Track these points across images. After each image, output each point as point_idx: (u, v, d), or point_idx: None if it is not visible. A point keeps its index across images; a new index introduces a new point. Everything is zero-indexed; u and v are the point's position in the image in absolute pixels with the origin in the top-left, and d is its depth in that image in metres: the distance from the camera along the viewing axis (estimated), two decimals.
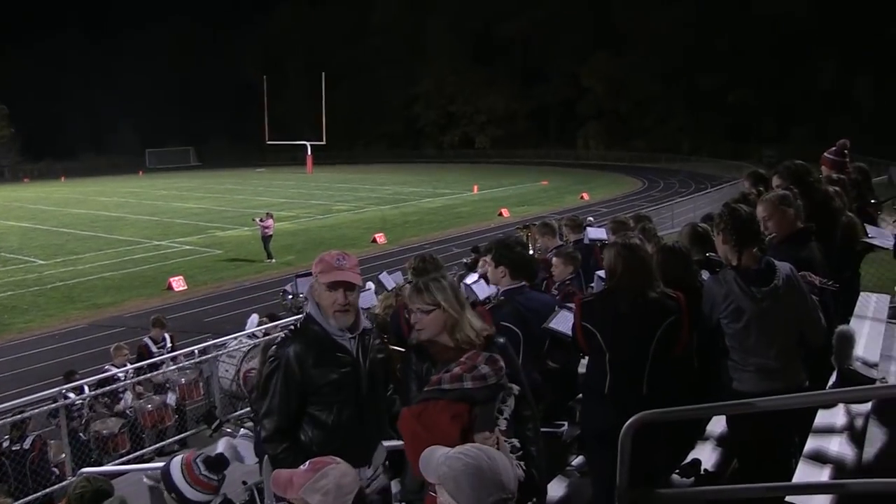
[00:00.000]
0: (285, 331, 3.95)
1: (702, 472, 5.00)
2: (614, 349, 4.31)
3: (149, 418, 11.04)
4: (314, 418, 3.85)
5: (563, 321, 4.84)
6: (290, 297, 13.87)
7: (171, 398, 11.24)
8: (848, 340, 5.12)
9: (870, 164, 8.42)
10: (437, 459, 2.29)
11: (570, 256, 7.32)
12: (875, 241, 6.22)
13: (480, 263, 9.20)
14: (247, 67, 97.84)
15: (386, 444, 3.95)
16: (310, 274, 12.90)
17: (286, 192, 54.37)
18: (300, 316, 4.32)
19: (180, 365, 11.96)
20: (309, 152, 73.91)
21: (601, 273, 6.87)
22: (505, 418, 3.10)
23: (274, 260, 27.84)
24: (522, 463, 3.06)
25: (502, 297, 4.98)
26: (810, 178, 6.03)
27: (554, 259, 7.36)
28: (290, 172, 73.77)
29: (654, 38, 78.12)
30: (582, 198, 45.19)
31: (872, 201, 7.25)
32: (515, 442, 3.13)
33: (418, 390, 3.37)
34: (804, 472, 4.42)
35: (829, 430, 5.00)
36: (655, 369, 4.29)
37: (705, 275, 5.04)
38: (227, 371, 11.51)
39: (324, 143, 74.20)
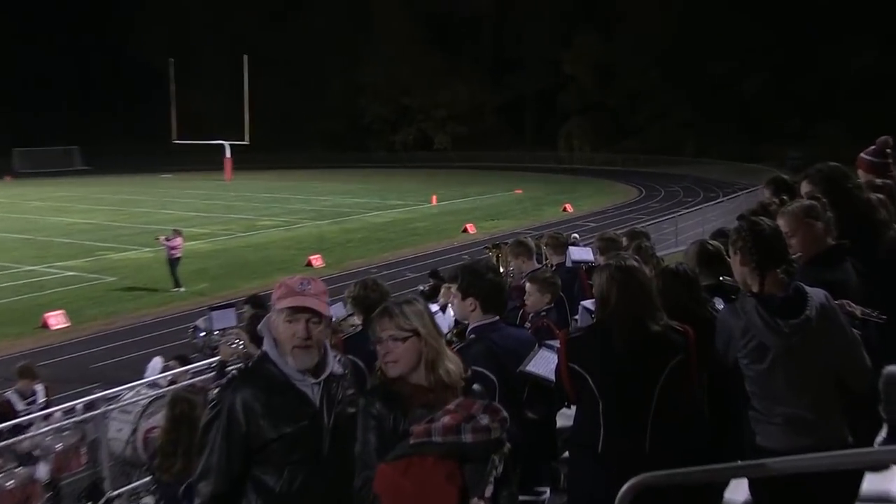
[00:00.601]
0: (234, 370, 3.96)
1: None
2: (609, 396, 4.30)
3: (8, 499, 10.55)
4: (259, 483, 3.73)
5: (543, 363, 4.85)
6: (203, 334, 13.69)
7: (41, 470, 10.44)
8: None
9: None
10: None
11: (547, 282, 7.36)
12: None
13: (441, 292, 9.16)
14: (148, 48, 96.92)
15: None
16: (229, 305, 12.76)
17: (199, 203, 54.00)
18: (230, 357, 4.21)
19: (56, 426, 11.18)
20: (228, 154, 73.83)
21: (588, 303, 6.87)
22: (491, 481, 3.08)
23: (183, 289, 27.56)
24: None
25: (472, 336, 4.93)
26: (849, 184, 6.00)
27: (527, 285, 7.40)
28: (204, 179, 73.34)
29: (651, 16, 79.30)
30: (564, 210, 45.67)
31: None
32: None
33: (381, 445, 3.35)
34: None
35: (880, 500, 4.97)
36: (660, 420, 4.28)
37: (718, 304, 5.03)
38: (119, 430, 11.30)
39: (246, 142, 74.12)
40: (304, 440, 3.72)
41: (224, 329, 12.47)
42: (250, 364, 3.89)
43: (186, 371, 12.44)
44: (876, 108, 64.31)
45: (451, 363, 3.58)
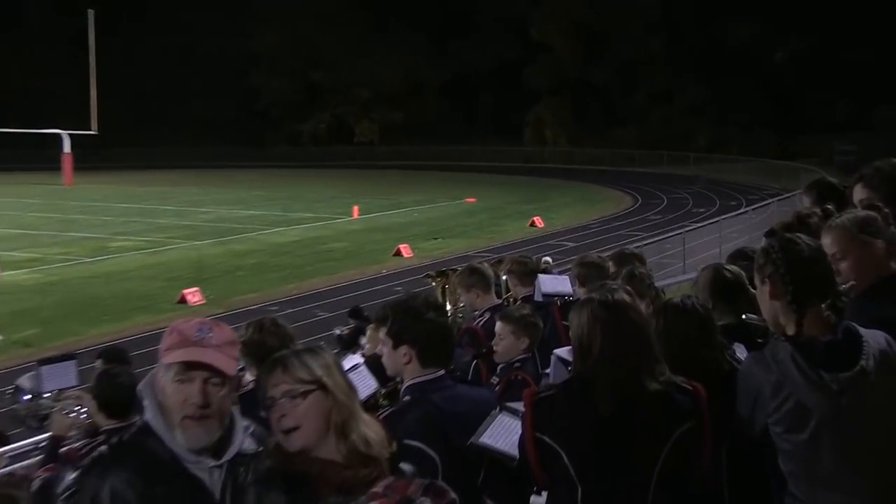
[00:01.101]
0: (99, 449, 3.75)
1: None
2: (591, 480, 4.26)
3: None
4: None
5: (503, 433, 4.79)
6: (27, 397, 13.45)
7: None
8: None
9: None
10: None
11: (525, 322, 7.33)
12: None
13: (367, 336, 9.12)
14: None
15: None
16: (67, 357, 12.61)
17: (25, 217, 53.35)
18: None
19: None
20: (67, 148, 73.28)
21: (562, 352, 6.83)
22: None
23: (0, 337, 27.22)
24: None
25: (407, 398, 4.91)
26: None
27: (499, 325, 7.34)
28: (32, 182, 72.51)
29: None
30: (533, 225, 45.92)
31: None
32: None
33: None
34: None
35: None
36: None
37: (740, 351, 5.04)
38: None
39: (94, 132, 73.47)
40: None
41: (59, 390, 12.29)
42: (125, 438, 3.73)
43: (3, 454, 12.29)
44: None
45: (369, 428, 3.58)
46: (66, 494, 3.61)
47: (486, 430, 4.85)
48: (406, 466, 3.64)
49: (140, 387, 3.84)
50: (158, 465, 3.57)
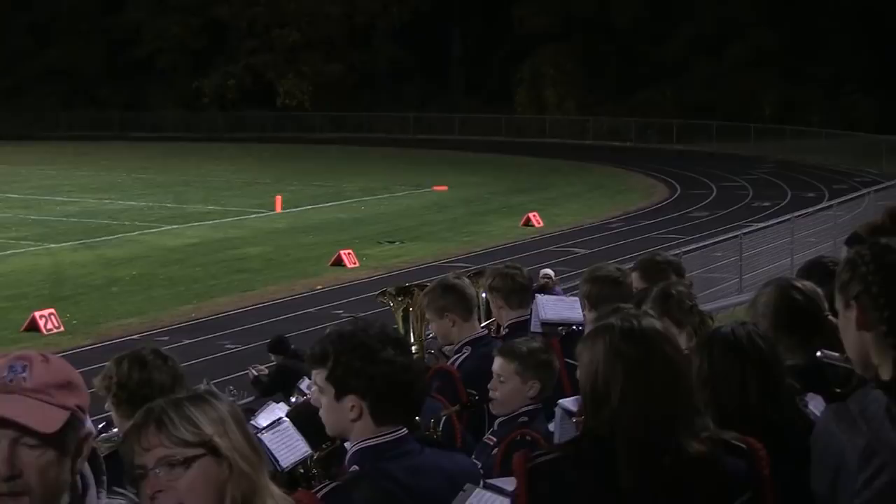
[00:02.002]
0: None
1: None
2: None
3: None
4: None
5: None
6: None
7: None
8: None
9: None
10: None
11: (536, 360, 7.22)
12: None
13: (305, 384, 9.12)
14: None
15: None
16: None
17: None
18: None
19: None
20: None
21: (569, 402, 6.90)
22: None
23: None
24: None
25: (354, 468, 4.81)
26: None
27: (500, 363, 7.23)
28: None
29: None
30: (527, 224, 46.02)
31: None
32: None
33: None
34: None
35: None
36: None
37: (815, 403, 5.11)
38: None
39: None
40: None
41: None
42: None
43: None
44: None
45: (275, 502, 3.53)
46: None
47: None
48: None
49: None
50: None
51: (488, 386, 7.34)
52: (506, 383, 7.13)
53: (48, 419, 3.22)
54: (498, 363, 7.24)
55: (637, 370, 4.21)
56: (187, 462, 3.31)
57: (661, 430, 4.20)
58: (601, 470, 4.23)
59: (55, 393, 3.30)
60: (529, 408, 7.11)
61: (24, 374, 3.28)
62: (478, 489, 4.85)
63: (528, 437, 6.88)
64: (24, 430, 3.19)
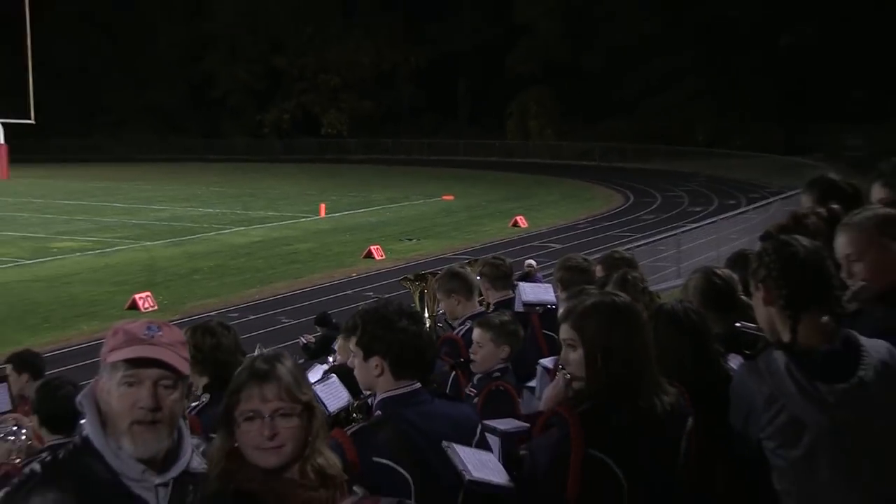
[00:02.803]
0: (30, 466, 3.50)
1: None
2: (637, 494, 4.28)
3: None
4: None
5: (479, 464, 4.58)
6: None
7: None
8: None
9: None
10: None
11: (505, 329, 7.26)
12: None
13: (338, 345, 9.11)
14: None
15: None
16: None
17: None
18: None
19: None
20: (1, 139, 72.71)
21: (548, 362, 6.93)
22: None
23: None
24: None
25: (378, 413, 4.85)
26: None
27: (478, 332, 7.29)
28: None
29: None
30: (515, 225, 45.87)
31: None
32: None
33: None
34: None
35: None
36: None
37: (734, 361, 5.08)
38: None
39: (31, 121, 72.87)
40: None
41: None
42: (61, 455, 3.48)
43: None
44: None
45: (327, 448, 3.63)
46: None
47: (468, 464, 4.55)
48: (357, 490, 3.64)
49: (79, 399, 3.63)
50: (96, 486, 3.40)
51: (469, 350, 7.43)
52: (483, 348, 7.21)
53: (181, 364, 3.57)
54: (476, 333, 7.33)
55: (632, 337, 4.40)
56: (295, 414, 3.53)
57: (654, 378, 4.38)
58: (628, 411, 4.36)
59: (179, 347, 3.62)
60: (501, 366, 7.21)
61: (159, 332, 3.57)
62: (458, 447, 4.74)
63: (501, 388, 7.06)
64: (166, 369, 3.50)
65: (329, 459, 3.57)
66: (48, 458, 3.51)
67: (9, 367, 11.44)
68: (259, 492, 3.40)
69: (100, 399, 3.50)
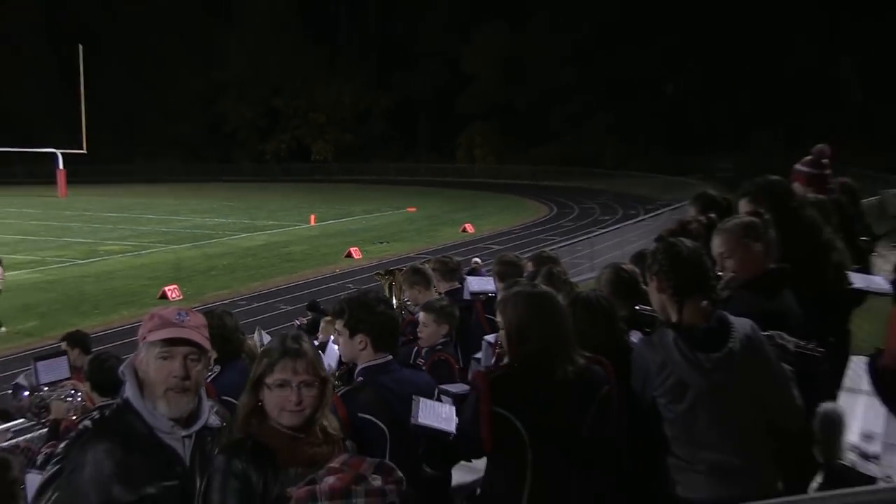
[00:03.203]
0: (83, 423, 3.68)
1: None
2: (539, 442, 4.30)
3: None
4: None
5: (431, 412, 4.75)
6: (27, 393, 13.28)
7: None
8: (836, 425, 5.30)
9: (858, 179, 8.66)
10: None
11: (444, 312, 7.31)
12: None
13: (321, 327, 9.11)
14: None
15: None
16: (58, 354, 12.39)
17: (24, 224, 52.49)
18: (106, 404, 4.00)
19: None
20: (61, 165, 72.05)
21: (490, 337, 6.98)
22: None
23: (4, 329, 26.83)
24: None
25: (360, 379, 4.93)
26: (794, 203, 6.26)
27: (422, 315, 7.37)
28: (30, 194, 71.40)
29: (568, 6, 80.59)
30: (464, 231, 45.85)
31: (856, 233, 7.45)
32: None
33: None
34: None
35: None
36: (589, 462, 4.38)
37: (634, 336, 5.14)
38: None
39: (83, 151, 72.69)
40: (170, 502, 3.59)
41: (55, 383, 12.11)
42: (107, 413, 3.69)
43: (7, 429, 12.16)
44: (814, 116, 66.79)
45: (330, 412, 3.64)
46: (53, 461, 3.62)
47: (418, 412, 4.76)
48: (349, 444, 3.70)
49: (121, 369, 3.83)
50: (136, 437, 3.58)
51: (416, 329, 7.48)
52: (427, 327, 7.23)
53: (204, 342, 3.81)
54: (421, 315, 7.39)
55: (546, 318, 4.36)
56: (315, 385, 3.60)
57: (563, 352, 4.34)
58: (531, 379, 4.37)
59: (202, 329, 3.86)
60: (442, 341, 7.21)
61: (187, 317, 3.83)
62: (437, 397, 5.07)
63: (443, 358, 7.05)
64: (194, 347, 3.73)
65: (332, 422, 3.63)
66: (97, 416, 3.70)
67: (64, 344, 11.73)
68: (275, 445, 3.44)
69: (138, 369, 3.73)
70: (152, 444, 3.61)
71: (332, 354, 6.97)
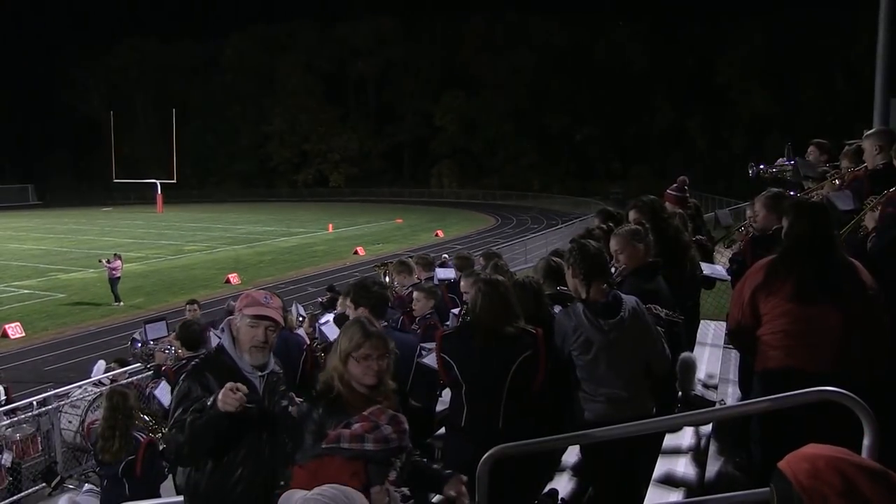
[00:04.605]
0: (194, 360, 3.97)
1: (559, 501, 5.06)
2: (470, 382, 4.34)
3: None
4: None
5: (431, 359, 4.86)
6: (140, 345, 13.31)
7: (5, 458, 9.99)
8: (690, 367, 5.38)
9: (702, 200, 8.81)
10: (296, 501, 2.25)
11: (431, 291, 7.36)
12: (714, 275, 6.55)
13: (339, 303, 9.13)
14: (91, 102, 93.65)
15: None
16: (160, 319, 12.35)
17: (135, 231, 52.23)
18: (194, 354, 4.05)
19: (15, 420, 10.77)
20: (159, 191, 71.53)
21: (455, 311, 6.99)
22: (395, 470, 3.06)
23: (121, 303, 26.67)
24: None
25: None
26: (664, 214, 6.32)
27: (415, 293, 7.36)
28: (139, 211, 70.82)
29: (503, 80, 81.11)
30: (437, 235, 45.71)
31: (700, 236, 7.59)
32: (406, 490, 3.07)
33: (314, 448, 3.20)
34: (655, 495, 4.58)
35: (676, 452, 5.21)
36: (511, 403, 4.30)
37: (557, 309, 5.11)
38: (70, 423, 10.90)
39: (174, 181, 72.25)
40: (249, 420, 3.66)
41: (157, 339, 12.16)
42: (210, 355, 3.87)
43: (125, 372, 12.11)
44: (675, 156, 68.47)
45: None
46: (180, 378, 3.81)
47: (424, 357, 5.03)
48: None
49: (221, 327, 3.95)
50: (229, 372, 3.68)
51: (402, 303, 7.59)
52: (419, 302, 7.17)
53: (280, 318, 3.88)
54: (415, 294, 7.31)
55: (486, 298, 4.33)
56: (386, 357, 3.41)
57: (496, 322, 4.30)
58: (469, 338, 4.37)
59: (280, 309, 3.92)
60: (430, 312, 7.11)
61: (272, 301, 3.86)
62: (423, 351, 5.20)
63: (431, 323, 6.92)
64: (274, 322, 3.78)
65: (390, 383, 3.47)
66: (203, 356, 4.03)
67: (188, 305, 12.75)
68: (349, 398, 3.33)
69: (233, 328, 3.81)
70: (240, 378, 3.66)
71: (332, 331, 6.91)
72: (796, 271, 3.95)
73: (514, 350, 4.29)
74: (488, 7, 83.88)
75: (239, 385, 3.47)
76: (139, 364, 12.25)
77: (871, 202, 5.14)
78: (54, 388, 11.81)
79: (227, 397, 3.40)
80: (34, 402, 11.27)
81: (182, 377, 3.80)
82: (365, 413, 2.99)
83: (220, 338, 3.95)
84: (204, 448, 3.62)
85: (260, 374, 3.80)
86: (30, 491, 10.21)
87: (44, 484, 9.13)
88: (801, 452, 1.73)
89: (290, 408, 3.80)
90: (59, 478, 8.61)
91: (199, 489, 3.72)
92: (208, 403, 3.51)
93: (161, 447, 6.69)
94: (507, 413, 4.30)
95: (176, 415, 3.64)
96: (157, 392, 7.78)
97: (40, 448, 10.65)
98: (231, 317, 3.91)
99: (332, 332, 6.23)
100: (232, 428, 3.56)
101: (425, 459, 3.57)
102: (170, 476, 6.82)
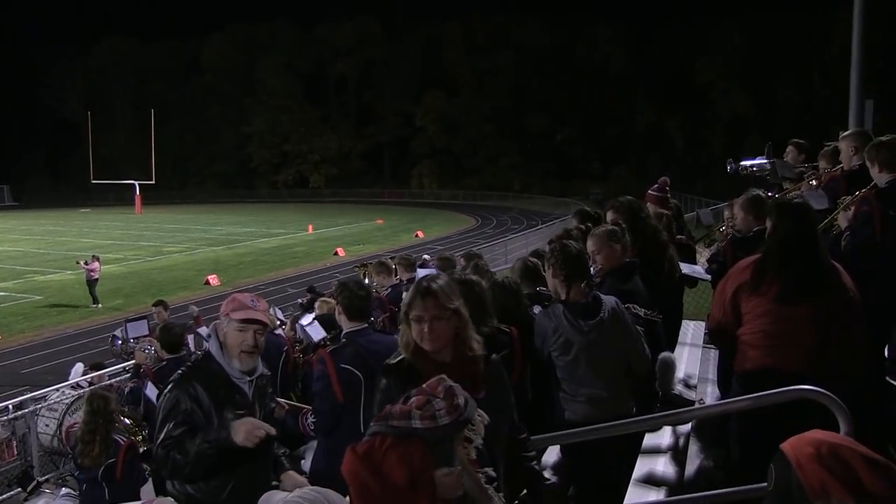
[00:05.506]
0: (181, 367, 3.81)
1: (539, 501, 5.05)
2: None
3: None
4: None
5: None
6: (120, 342, 13.25)
7: None
8: (669, 367, 5.39)
9: (682, 200, 8.86)
10: (276, 503, 2.22)
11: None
12: (694, 275, 6.58)
13: (317, 304, 9.12)
14: (69, 102, 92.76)
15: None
16: (142, 317, 12.26)
17: (113, 233, 51.85)
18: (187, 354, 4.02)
19: None
20: (137, 192, 71.08)
21: None
22: (476, 447, 2.64)
23: (100, 305, 26.49)
24: (501, 494, 2.71)
25: (344, 340, 4.91)
26: (643, 214, 6.31)
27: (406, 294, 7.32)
28: (117, 213, 70.35)
29: (483, 80, 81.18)
30: (417, 236, 45.68)
31: (681, 236, 7.62)
32: (490, 471, 2.73)
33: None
34: (635, 494, 4.60)
35: (655, 452, 5.24)
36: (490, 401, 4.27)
37: (537, 309, 5.11)
38: (47, 426, 10.80)
39: (153, 182, 71.87)
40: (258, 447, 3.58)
41: (137, 337, 12.11)
42: (197, 362, 3.80)
43: (104, 374, 12.02)
44: (654, 157, 68.77)
45: (476, 337, 3.20)
46: (167, 388, 3.70)
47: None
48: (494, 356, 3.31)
49: (208, 331, 3.94)
50: (217, 379, 3.67)
51: (400, 303, 7.44)
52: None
53: (268, 322, 3.88)
54: (406, 294, 7.26)
55: (468, 296, 4.12)
56: (444, 318, 3.09)
57: (478, 321, 4.17)
58: None
59: (267, 312, 3.89)
60: None
61: (258, 304, 3.81)
62: None
63: None
64: (262, 325, 3.75)
65: (473, 348, 3.15)
66: (190, 364, 3.80)
67: (154, 307, 12.89)
68: (421, 366, 3.01)
69: (220, 333, 3.75)
70: (228, 384, 3.69)
71: (317, 332, 6.88)
72: (781, 272, 3.96)
73: (489, 349, 4.24)
74: (469, 7, 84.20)
75: (263, 424, 3.50)
76: (118, 365, 12.19)
77: (844, 202, 5.22)
78: (31, 392, 11.68)
79: (251, 437, 3.42)
80: (10, 406, 11.12)
81: (168, 387, 3.70)
82: (424, 385, 2.59)
83: (206, 340, 3.95)
84: (205, 469, 3.59)
85: (249, 378, 3.77)
86: (4, 496, 10.06)
87: (19, 489, 9.02)
88: (806, 436, 1.74)
89: (276, 412, 3.81)
90: (35, 482, 8.51)
91: (190, 495, 3.70)
92: (223, 435, 3.47)
93: (141, 450, 6.66)
94: (488, 411, 4.26)
95: (167, 429, 3.55)
96: (147, 392, 7.76)
97: (16, 452, 10.52)
98: (217, 321, 3.85)
99: (317, 332, 6.22)
100: (241, 455, 3.53)
101: (537, 466, 3.38)
102: (150, 480, 6.79)
